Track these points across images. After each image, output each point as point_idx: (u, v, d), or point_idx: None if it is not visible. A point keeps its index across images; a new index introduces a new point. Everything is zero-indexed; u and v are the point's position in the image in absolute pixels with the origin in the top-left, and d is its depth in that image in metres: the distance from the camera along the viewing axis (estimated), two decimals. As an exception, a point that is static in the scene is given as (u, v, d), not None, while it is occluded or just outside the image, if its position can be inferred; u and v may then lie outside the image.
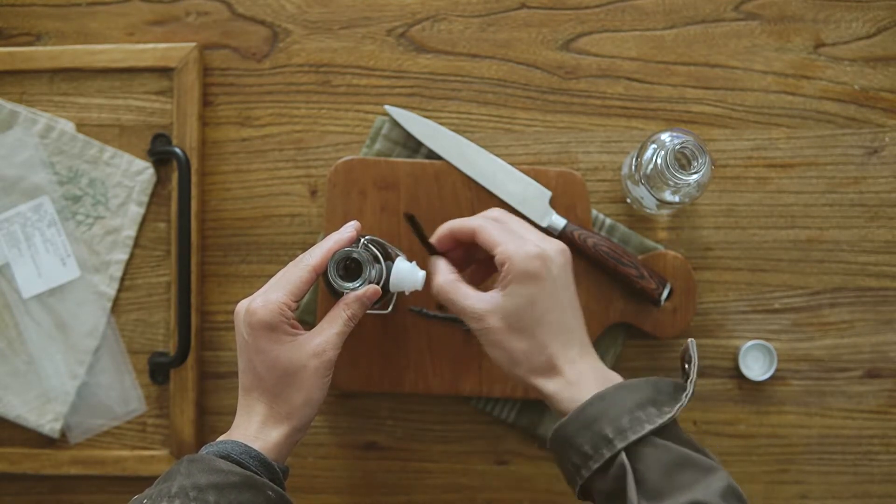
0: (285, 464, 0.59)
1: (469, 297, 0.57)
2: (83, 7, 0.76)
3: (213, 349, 0.75)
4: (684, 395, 0.53)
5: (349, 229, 0.61)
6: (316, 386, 0.58)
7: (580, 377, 0.54)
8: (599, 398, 0.52)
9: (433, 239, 0.61)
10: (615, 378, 0.55)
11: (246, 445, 0.56)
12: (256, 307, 0.57)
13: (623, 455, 0.50)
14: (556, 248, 0.57)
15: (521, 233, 0.58)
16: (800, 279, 0.73)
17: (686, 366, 0.55)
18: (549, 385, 0.55)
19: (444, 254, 0.62)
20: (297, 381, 0.57)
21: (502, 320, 0.56)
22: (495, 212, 0.61)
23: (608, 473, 0.51)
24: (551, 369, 0.55)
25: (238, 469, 0.53)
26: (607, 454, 0.51)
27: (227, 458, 0.54)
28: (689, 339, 0.56)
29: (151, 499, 0.52)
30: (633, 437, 0.50)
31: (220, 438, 0.57)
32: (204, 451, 0.56)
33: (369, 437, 0.74)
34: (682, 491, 0.49)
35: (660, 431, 0.51)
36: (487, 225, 0.58)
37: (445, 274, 0.59)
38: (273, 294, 0.58)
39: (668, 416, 0.51)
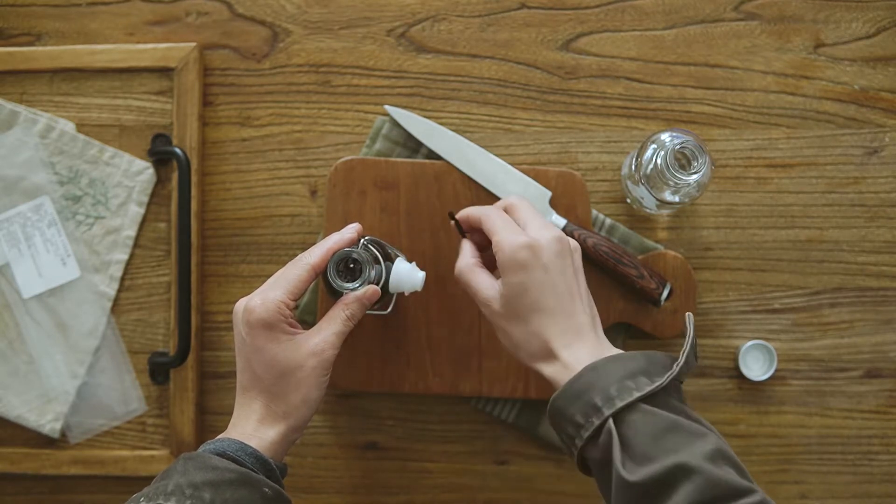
0: (283, 462, 0.59)
1: (480, 283, 0.59)
2: (83, 7, 0.76)
3: (213, 349, 0.75)
4: (675, 364, 0.53)
5: (350, 230, 0.62)
6: (314, 385, 0.58)
7: (576, 361, 0.55)
8: (591, 369, 0.53)
9: (459, 216, 0.64)
10: (610, 350, 0.56)
11: (242, 443, 0.56)
12: (254, 306, 0.57)
13: (610, 421, 0.51)
14: (550, 238, 0.57)
15: (526, 222, 0.59)
16: (800, 279, 0.73)
17: (686, 339, 0.56)
18: (547, 369, 0.56)
19: (468, 236, 0.64)
20: (294, 380, 0.58)
21: (503, 307, 0.57)
22: (511, 198, 0.63)
23: (598, 442, 0.51)
24: (548, 354, 0.56)
25: (234, 466, 0.53)
26: (596, 422, 0.51)
27: (223, 455, 0.54)
28: (687, 314, 0.56)
29: (148, 497, 0.52)
30: (620, 405, 0.51)
31: (218, 437, 0.57)
32: (201, 449, 0.56)
33: (369, 437, 0.74)
34: (668, 454, 0.49)
35: (649, 399, 0.51)
36: (492, 214, 0.60)
37: (466, 258, 0.62)
38: (271, 293, 0.58)
39: (658, 383, 0.51)
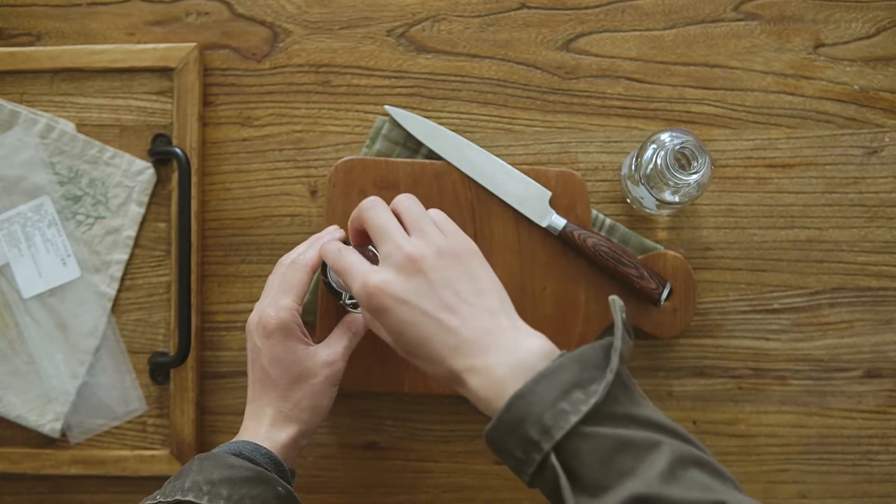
0: (291, 467, 0.60)
1: (382, 334, 0.57)
2: (84, 7, 0.76)
3: (214, 349, 0.75)
4: (609, 369, 0.47)
5: (337, 230, 0.65)
6: (325, 394, 0.61)
7: (486, 383, 0.50)
8: (518, 397, 0.47)
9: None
10: (533, 351, 0.50)
11: (256, 444, 0.58)
12: (270, 316, 0.60)
13: (552, 457, 0.46)
14: (394, 266, 0.53)
15: (377, 241, 0.55)
16: (799, 279, 0.73)
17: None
18: (465, 394, 0.52)
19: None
20: (307, 386, 0.60)
21: (399, 349, 0.54)
22: (355, 214, 0.58)
23: (544, 475, 0.47)
24: (458, 380, 0.51)
25: (249, 465, 0.55)
26: (538, 457, 0.47)
27: (238, 455, 0.56)
28: (611, 298, 0.51)
29: (165, 495, 0.53)
30: (558, 436, 0.46)
31: (229, 441, 0.59)
32: (215, 450, 0.57)
33: (369, 437, 0.74)
34: (622, 478, 0.45)
35: (590, 416, 0.46)
36: (342, 253, 0.56)
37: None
38: (282, 300, 0.60)
39: (595, 399, 0.46)
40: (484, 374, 0.50)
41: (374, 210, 0.56)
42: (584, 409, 0.46)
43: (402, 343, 0.53)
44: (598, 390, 0.47)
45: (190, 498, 0.52)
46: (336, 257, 0.56)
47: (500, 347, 0.51)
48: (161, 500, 0.53)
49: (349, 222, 0.60)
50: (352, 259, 0.55)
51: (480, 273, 0.54)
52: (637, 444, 0.46)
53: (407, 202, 0.57)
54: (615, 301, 0.51)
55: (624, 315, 0.50)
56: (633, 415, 0.47)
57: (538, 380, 0.48)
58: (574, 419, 0.46)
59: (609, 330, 0.72)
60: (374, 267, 0.54)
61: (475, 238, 0.72)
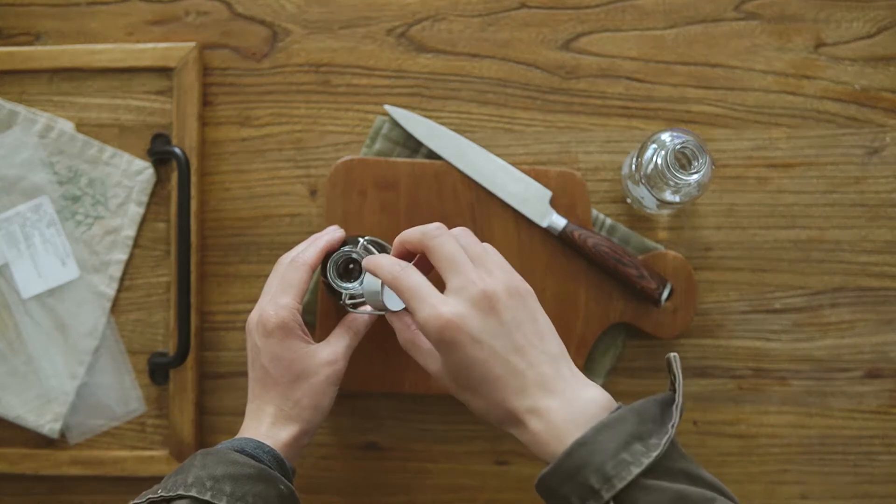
0: (293, 465, 0.60)
1: (426, 359, 0.56)
2: (83, 7, 0.76)
3: (213, 349, 0.75)
4: (671, 424, 0.48)
5: (337, 230, 0.65)
6: (326, 393, 0.61)
7: (546, 427, 0.50)
8: (580, 444, 0.48)
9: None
10: (592, 402, 0.51)
11: (259, 441, 0.58)
12: (270, 315, 0.60)
13: None
14: (469, 302, 0.52)
15: (446, 275, 0.53)
16: (800, 279, 0.73)
17: (672, 381, 0.52)
18: (520, 436, 0.52)
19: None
20: (308, 385, 0.60)
21: (451, 381, 0.54)
22: (421, 237, 0.55)
23: None
24: (516, 422, 0.52)
25: (252, 462, 0.55)
26: None
27: (241, 452, 0.56)
28: (673, 355, 0.52)
29: (167, 490, 0.53)
30: (620, 486, 0.46)
31: (232, 438, 0.59)
32: (217, 446, 0.57)
33: (369, 437, 0.74)
34: None
35: (651, 469, 0.47)
36: (407, 276, 0.54)
37: (404, 332, 0.57)
38: (282, 299, 0.60)
39: (656, 453, 0.47)
40: (545, 417, 0.50)
41: (442, 238, 0.54)
42: (646, 461, 0.47)
43: (462, 378, 0.52)
44: (658, 444, 0.48)
45: (193, 493, 0.52)
46: (399, 276, 0.54)
47: (560, 394, 0.51)
48: (163, 494, 0.52)
49: (398, 240, 0.57)
50: (417, 280, 0.53)
51: (539, 315, 0.54)
52: (693, 500, 0.47)
53: (468, 238, 0.56)
54: (676, 358, 0.52)
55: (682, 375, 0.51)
56: (688, 471, 0.48)
57: (600, 429, 0.48)
58: (636, 471, 0.47)
59: (608, 332, 0.72)
60: (444, 296, 0.52)
61: (475, 238, 0.72)
